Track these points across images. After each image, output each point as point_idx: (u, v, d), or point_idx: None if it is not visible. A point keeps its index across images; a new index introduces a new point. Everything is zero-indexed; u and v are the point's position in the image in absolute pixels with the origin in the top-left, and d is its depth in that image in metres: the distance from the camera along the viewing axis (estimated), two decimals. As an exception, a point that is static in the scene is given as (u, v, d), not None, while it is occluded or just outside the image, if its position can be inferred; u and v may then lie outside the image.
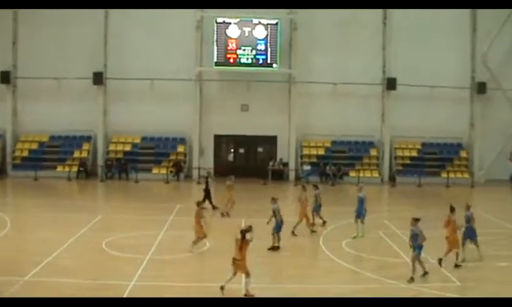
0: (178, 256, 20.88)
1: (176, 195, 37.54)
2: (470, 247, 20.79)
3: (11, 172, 41.73)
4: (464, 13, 42.56)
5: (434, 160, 43.47)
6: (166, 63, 41.44)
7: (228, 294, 16.41)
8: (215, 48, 41.15)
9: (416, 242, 18.24)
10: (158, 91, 42.05)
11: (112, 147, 42.66)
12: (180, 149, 42.83)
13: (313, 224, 25.00)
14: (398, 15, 41.86)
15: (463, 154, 44.00)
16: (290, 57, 42.01)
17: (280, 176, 42.10)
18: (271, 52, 41.30)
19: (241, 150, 44.40)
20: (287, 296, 16.54)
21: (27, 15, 41.19)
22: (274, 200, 22.52)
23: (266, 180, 40.28)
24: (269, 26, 41.21)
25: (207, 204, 27.44)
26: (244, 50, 41.27)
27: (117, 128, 42.63)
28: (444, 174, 42.30)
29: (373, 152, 43.56)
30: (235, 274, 16.81)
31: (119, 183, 40.22)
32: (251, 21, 41.25)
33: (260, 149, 44.36)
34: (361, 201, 24.29)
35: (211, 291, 16.70)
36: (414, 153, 43.82)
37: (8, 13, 40.72)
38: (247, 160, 44.00)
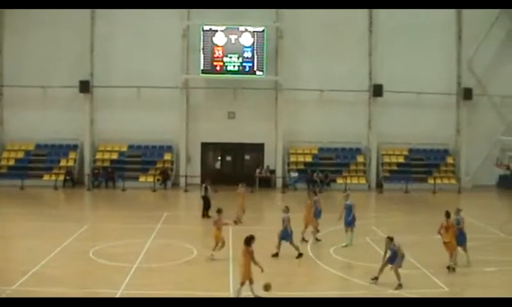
0: (165, 264, 20.81)
1: (164, 203, 37.37)
2: (459, 253, 20.81)
3: (-3, 181, 41.50)
4: (450, 19, 42.88)
5: (421, 166, 43.63)
6: (152, 71, 41.38)
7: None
8: (201, 55, 41.15)
9: (395, 259, 18.39)
10: (144, 99, 41.96)
11: (99, 155, 42.52)
12: (167, 157, 42.74)
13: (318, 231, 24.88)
14: (384, 21, 42.11)
15: (450, 160, 44.21)
16: (277, 65, 42.07)
17: (267, 183, 42.10)
18: (257, 60, 41.34)
19: (228, 158, 44.34)
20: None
21: (13, 23, 41.13)
22: (286, 209, 22.33)
23: (253, 187, 40.21)
24: (255, 34, 41.26)
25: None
26: (230, 57, 41.28)
27: (104, 136, 42.49)
28: (431, 180, 42.43)
29: (360, 159, 43.66)
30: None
31: (106, 192, 40.05)
32: (238, 29, 41.30)
33: (247, 157, 44.31)
34: (349, 209, 24.16)
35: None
36: (401, 160, 43.98)
37: (-7, 21, 40.61)
38: (234, 168, 43.88)
